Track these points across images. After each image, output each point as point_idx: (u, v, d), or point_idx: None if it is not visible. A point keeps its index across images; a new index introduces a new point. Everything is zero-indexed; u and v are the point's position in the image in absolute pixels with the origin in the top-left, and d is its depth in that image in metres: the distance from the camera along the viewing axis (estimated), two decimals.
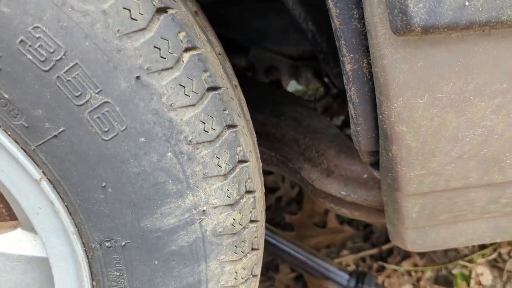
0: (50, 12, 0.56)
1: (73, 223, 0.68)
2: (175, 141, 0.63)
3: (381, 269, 1.63)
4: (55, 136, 0.61)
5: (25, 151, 0.63)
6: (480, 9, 0.53)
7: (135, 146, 0.62)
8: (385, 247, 1.70)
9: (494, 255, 1.62)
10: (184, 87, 0.62)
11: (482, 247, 1.66)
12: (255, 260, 0.80)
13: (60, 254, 0.71)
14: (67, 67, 0.58)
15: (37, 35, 0.56)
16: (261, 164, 0.81)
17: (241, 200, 0.72)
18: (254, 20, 1.39)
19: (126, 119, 0.61)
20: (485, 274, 1.55)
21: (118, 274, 0.72)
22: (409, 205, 0.79)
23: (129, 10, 0.58)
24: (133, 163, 0.63)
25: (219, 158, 0.67)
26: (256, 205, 0.75)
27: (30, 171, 0.64)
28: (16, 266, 0.75)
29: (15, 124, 0.61)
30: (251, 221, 0.76)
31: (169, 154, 0.64)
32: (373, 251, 1.70)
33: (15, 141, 0.62)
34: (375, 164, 0.80)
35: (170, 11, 0.61)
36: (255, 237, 0.77)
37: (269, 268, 1.67)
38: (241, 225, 0.73)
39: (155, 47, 0.59)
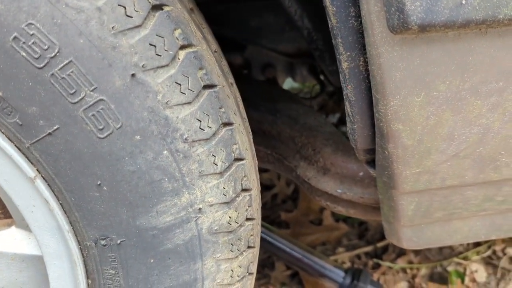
0: (44, 8, 0.55)
1: (68, 221, 0.67)
2: (171, 139, 0.63)
3: (376, 266, 1.64)
4: (49, 134, 0.61)
5: (19, 149, 0.62)
6: (477, 8, 0.53)
7: (131, 144, 0.62)
8: (380, 244, 1.71)
9: (489, 252, 1.63)
10: (180, 84, 0.62)
11: (477, 244, 1.67)
12: (251, 258, 0.80)
13: (55, 252, 0.71)
14: (62, 65, 0.58)
15: (31, 32, 0.56)
16: (257, 162, 0.81)
17: (237, 198, 0.72)
18: (250, 18, 1.39)
19: (121, 117, 0.61)
20: (480, 271, 1.56)
21: (113, 272, 0.71)
22: (404, 203, 0.80)
23: (124, 7, 0.57)
24: (129, 161, 0.63)
25: (215, 156, 0.67)
26: (252, 203, 0.75)
27: (24, 169, 0.64)
28: (10, 265, 0.75)
29: (9, 122, 0.61)
30: (247, 219, 0.75)
31: (165, 152, 0.63)
32: (368, 248, 1.70)
33: (9, 139, 0.62)
34: (371, 162, 0.80)
35: (166, 8, 0.60)
36: (251, 235, 0.77)
37: (265, 265, 1.67)
38: (237, 223, 0.73)
39: (150, 44, 0.59)
